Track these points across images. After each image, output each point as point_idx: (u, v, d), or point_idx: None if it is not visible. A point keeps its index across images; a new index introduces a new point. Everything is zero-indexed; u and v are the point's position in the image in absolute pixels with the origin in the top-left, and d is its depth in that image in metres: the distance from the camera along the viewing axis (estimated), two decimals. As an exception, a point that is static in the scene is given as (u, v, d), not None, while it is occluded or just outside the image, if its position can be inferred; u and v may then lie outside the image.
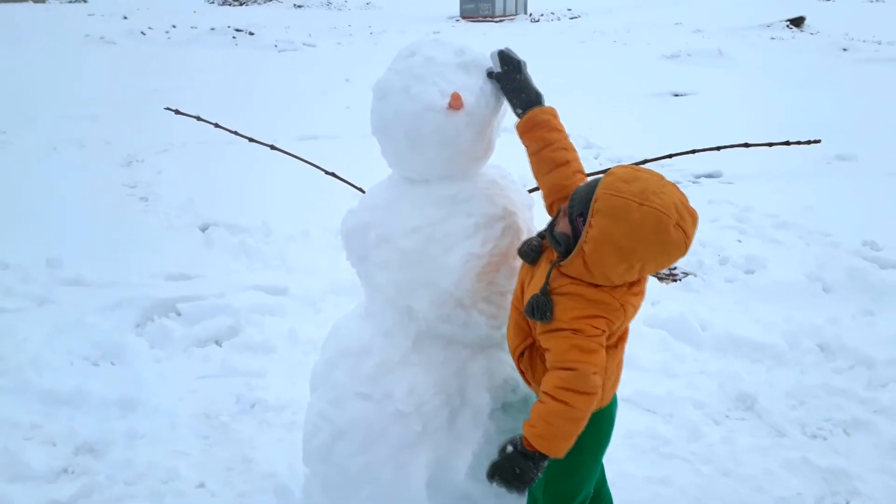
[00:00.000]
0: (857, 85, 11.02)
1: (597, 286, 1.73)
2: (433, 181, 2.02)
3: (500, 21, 25.17)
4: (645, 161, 2.24)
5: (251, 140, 2.21)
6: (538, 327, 1.79)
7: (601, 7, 27.14)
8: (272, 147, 2.26)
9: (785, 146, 2.12)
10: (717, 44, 15.35)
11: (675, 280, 4.55)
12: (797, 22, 18.74)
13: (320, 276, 4.52)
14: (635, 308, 1.83)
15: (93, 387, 3.20)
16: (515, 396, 2.14)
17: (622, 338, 1.91)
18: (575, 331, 1.70)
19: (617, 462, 2.78)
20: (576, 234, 1.72)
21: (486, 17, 25.98)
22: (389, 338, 2.14)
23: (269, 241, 5.17)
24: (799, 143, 2.11)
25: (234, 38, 17.05)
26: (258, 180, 6.58)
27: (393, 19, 24.35)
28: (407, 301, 2.06)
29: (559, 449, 1.73)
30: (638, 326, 3.87)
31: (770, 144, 2.15)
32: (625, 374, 3.43)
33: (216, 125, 2.23)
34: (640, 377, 3.40)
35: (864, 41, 16.01)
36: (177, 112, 2.22)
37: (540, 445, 1.72)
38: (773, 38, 17.47)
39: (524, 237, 2.05)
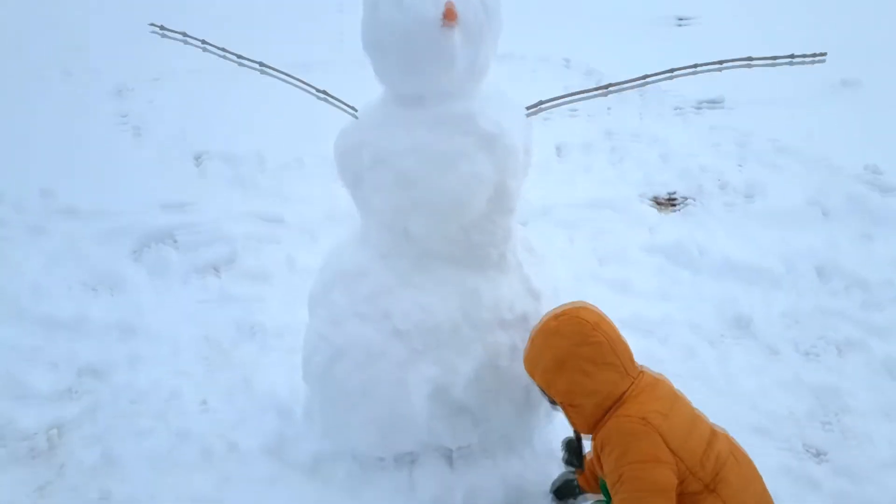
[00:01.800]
0: (864, 8, 10.71)
1: (609, 420, 1.76)
2: (428, 99, 1.97)
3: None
4: (645, 77, 2.18)
5: (239, 58, 2.14)
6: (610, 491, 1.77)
7: (603, -71, 26.15)
8: (261, 65, 2.19)
9: (789, 65, 2.06)
10: (722, -33, 14.82)
11: (674, 206, 4.53)
12: (806, -56, 18.08)
13: (316, 204, 4.48)
14: (664, 415, 1.73)
15: (92, 312, 3.22)
16: (512, 314, 2.14)
17: (715, 481, 1.73)
18: (624, 481, 1.69)
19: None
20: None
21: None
22: (386, 260, 2.14)
23: (263, 170, 5.11)
24: (804, 57, 2.05)
25: (223, -37, 16.44)
26: (251, 110, 6.44)
27: (387, -56, 23.46)
28: (403, 223, 2.04)
29: None
30: (635, 252, 3.87)
31: (774, 59, 2.09)
32: (621, 299, 3.49)
33: (203, 42, 2.15)
34: (637, 301, 3.42)
35: (873, -37, 15.47)
36: (161, 28, 2.14)
37: None
38: (780, -39, 16.90)
39: (522, 157, 2.02)
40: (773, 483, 2.28)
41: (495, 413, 2.16)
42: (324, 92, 2.15)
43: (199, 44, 2.19)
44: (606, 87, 2.17)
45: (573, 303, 1.95)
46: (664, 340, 3.12)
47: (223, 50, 2.16)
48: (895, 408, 2.65)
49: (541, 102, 2.12)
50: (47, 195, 4.40)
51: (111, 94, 7.16)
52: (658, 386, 1.84)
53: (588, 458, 2.10)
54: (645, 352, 3.02)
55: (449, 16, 1.77)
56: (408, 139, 1.95)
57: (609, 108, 7.10)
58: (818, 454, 2.45)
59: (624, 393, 1.78)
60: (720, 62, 2.09)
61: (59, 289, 3.41)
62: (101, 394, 2.71)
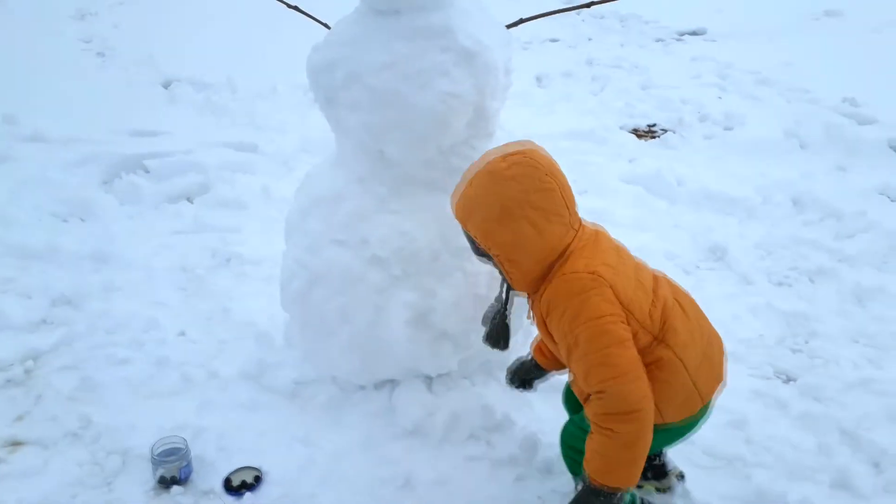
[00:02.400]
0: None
1: (554, 279, 1.59)
2: (404, 12, 1.90)
3: None
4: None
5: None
6: (566, 360, 1.64)
7: None
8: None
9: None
10: None
11: (654, 137, 4.51)
12: None
13: (290, 133, 4.40)
14: (612, 268, 1.60)
15: (64, 242, 3.15)
16: (492, 241, 2.13)
17: (663, 331, 1.63)
18: (581, 343, 1.55)
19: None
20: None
21: None
22: (363, 184, 2.10)
23: (235, 97, 4.98)
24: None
25: None
26: (220, 35, 6.22)
27: None
28: (379, 145, 1.99)
29: (627, 478, 1.57)
30: (614, 183, 3.87)
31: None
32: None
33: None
34: (614, 231, 3.36)
35: None
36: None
37: (606, 480, 1.56)
38: None
39: (501, 76, 1.97)
40: (743, 406, 2.36)
41: (475, 340, 2.17)
42: (295, 7, 2.06)
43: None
44: (589, 3, 2.11)
45: (520, 141, 1.68)
46: (641, 269, 3.15)
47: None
48: (862, 333, 2.71)
49: (521, 19, 2.06)
50: (10, 121, 4.25)
51: (73, 17, 6.86)
52: (600, 237, 1.68)
53: (534, 343, 1.96)
54: (622, 280, 3.06)
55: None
56: (383, 55, 1.89)
57: (590, 38, 6.98)
58: (787, 379, 2.52)
59: (568, 246, 1.60)
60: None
61: (29, 217, 3.34)
62: (76, 324, 2.68)
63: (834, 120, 4.51)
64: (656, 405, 1.59)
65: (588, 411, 1.59)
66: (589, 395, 1.59)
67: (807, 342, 2.70)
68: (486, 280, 2.12)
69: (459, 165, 2.04)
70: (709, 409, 1.77)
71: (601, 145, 4.32)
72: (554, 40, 6.92)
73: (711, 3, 7.94)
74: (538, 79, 5.69)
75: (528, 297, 1.72)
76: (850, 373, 2.51)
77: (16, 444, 2.19)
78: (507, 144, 1.66)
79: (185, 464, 2.04)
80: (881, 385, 2.43)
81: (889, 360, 2.58)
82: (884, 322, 2.76)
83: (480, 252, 1.71)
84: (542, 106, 5.07)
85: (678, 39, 6.95)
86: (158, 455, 2.04)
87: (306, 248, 2.16)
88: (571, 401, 1.93)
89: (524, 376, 2.02)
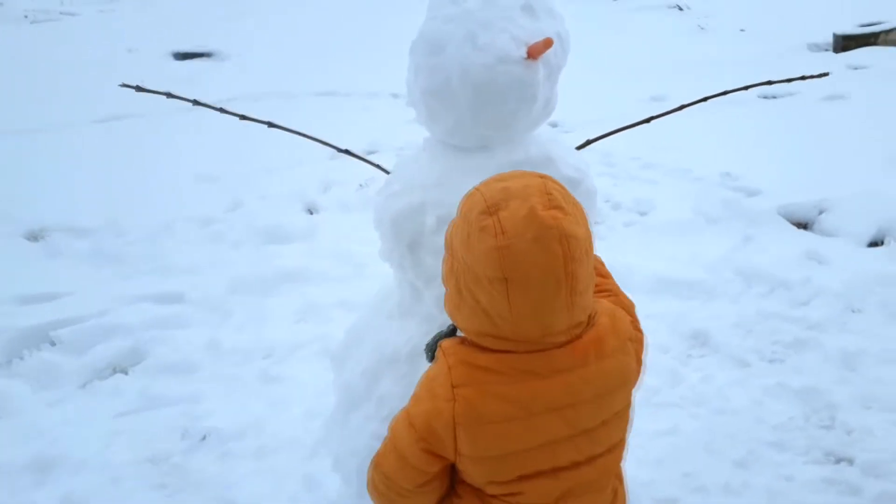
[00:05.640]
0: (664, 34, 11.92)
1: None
2: (496, 147, 1.74)
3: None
4: (682, 106, 2.14)
5: (242, 117, 1.74)
6: None
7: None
8: (269, 124, 1.80)
9: (801, 80, 2.10)
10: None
11: (582, 230, 4.61)
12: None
13: (209, 274, 3.93)
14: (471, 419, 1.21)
15: (-20, 455, 2.48)
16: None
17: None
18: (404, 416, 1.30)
19: (625, 421, 2.73)
20: None
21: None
22: (444, 333, 1.84)
23: (127, 241, 4.39)
24: (812, 77, 2.12)
25: (-30, 8, 14.29)
26: (72, 171, 5.54)
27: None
28: (475, 288, 1.77)
29: None
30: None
31: (789, 80, 2.14)
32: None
33: (194, 101, 1.70)
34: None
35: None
36: (138, 88, 1.66)
37: None
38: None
39: (598, 199, 1.86)
40: (823, 499, 2.32)
41: None
42: (346, 150, 1.82)
43: (189, 103, 1.74)
44: (648, 118, 2.11)
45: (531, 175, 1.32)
46: (643, 368, 3.09)
47: (221, 109, 1.74)
48: (871, 398, 2.82)
49: (588, 141, 1.99)
50: None
51: None
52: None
53: None
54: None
55: (545, 46, 1.56)
56: (483, 194, 1.70)
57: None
58: (838, 459, 2.53)
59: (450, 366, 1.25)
60: (746, 87, 2.11)
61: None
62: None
63: (725, 195, 4.89)
64: None
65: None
66: None
67: (832, 417, 2.75)
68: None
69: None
70: None
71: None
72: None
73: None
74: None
75: None
76: (891, 441, 2.57)
77: None
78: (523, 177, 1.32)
79: None
80: (924, 448, 2.52)
81: (911, 422, 2.69)
82: (884, 384, 2.90)
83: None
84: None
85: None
86: None
87: (385, 418, 1.83)
88: None
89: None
